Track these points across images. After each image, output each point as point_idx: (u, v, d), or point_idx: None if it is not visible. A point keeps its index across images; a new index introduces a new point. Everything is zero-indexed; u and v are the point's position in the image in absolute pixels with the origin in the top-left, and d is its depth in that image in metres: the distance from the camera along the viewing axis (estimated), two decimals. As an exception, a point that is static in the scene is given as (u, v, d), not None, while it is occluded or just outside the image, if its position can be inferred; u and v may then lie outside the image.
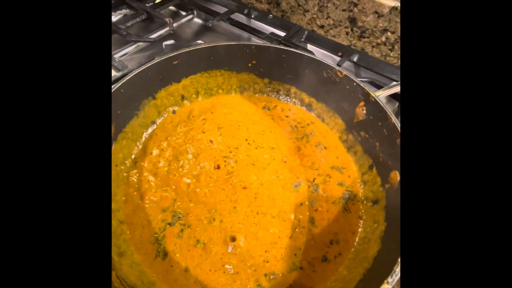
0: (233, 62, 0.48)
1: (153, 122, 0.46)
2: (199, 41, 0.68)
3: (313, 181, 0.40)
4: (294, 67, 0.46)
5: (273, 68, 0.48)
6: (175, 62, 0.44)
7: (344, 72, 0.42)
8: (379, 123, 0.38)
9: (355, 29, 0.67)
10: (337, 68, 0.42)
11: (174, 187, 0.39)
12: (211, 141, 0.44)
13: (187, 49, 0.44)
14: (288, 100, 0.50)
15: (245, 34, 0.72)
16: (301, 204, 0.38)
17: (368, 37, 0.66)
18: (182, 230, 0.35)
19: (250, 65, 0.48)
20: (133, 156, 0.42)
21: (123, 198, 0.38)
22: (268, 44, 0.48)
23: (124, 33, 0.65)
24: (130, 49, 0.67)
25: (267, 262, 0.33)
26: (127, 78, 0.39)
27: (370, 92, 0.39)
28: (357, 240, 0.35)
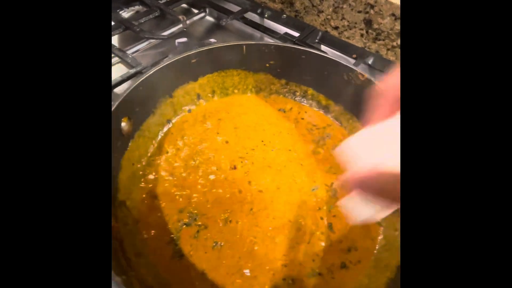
0: (250, 62, 0.47)
1: (169, 121, 0.45)
2: (212, 40, 0.67)
3: (331, 185, 0.40)
4: (312, 68, 0.46)
5: (291, 69, 0.47)
6: (193, 61, 0.43)
7: (366, 75, 0.41)
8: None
9: (370, 31, 0.66)
10: (359, 71, 0.41)
11: (190, 187, 0.39)
12: (226, 142, 0.43)
13: (207, 47, 0.43)
14: (305, 102, 0.50)
15: (257, 34, 0.71)
16: (319, 209, 0.38)
17: (383, 40, 0.66)
18: (198, 232, 0.35)
19: (267, 65, 0.48)
20: (149, 155, 0.41)
21: (139, 197, 0.38)
22: (288, 44, 0.47)
23: (138, 29, 0.64)
24: (142, 45, 0.67)
25: (285, 266, 0.33)
26: (146, 76, 0.38)
27: (393, 96, 0.38)
28: (377, 247, 0.34)
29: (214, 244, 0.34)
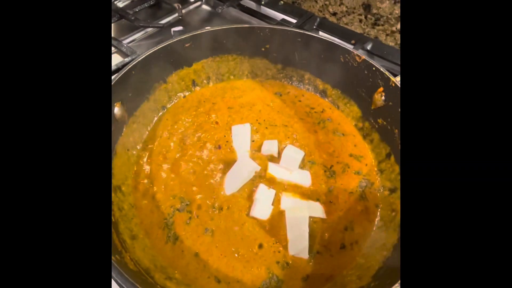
0: (245, 46, 0.46)
1: (164, 107, 0.45)
2: (208, 28, 0.66)
3: (330, 167, 0.39)
4: (309, 51, 0.45)
5: (287, 53, 0.46)
6: (187, 45, 0.42)
7: (363, 57, 0.40)
8: (399, 109, 0.36)
9: (369, 16, 0.65)
10: (356, 52, 0.40)
11: (181, 172, 0.38)
12: (216, 123, 0.42)
13: (199, 31, 0.43)
14: (302, 86, 0.49)
15: (254, 21, 0.70)
16: (317, 188, 0.37)
17: (382, 25, 0.64)
18: (190, 218, 0.34)
19: (263, 49, 0.47)
20: (143, 141, 0.41)
21: (133, 182, 0.37)
22: (283, 27, 0.46)
23: (133, 18, 0.63)
24: (138, 35, 0.66)
25: (278, 249, 0.33)
26: (139, 59, 0.38)
27: (391, 77, 0.37)
28: (374, 228, 0.34)
29: (205, 230, 0.34)
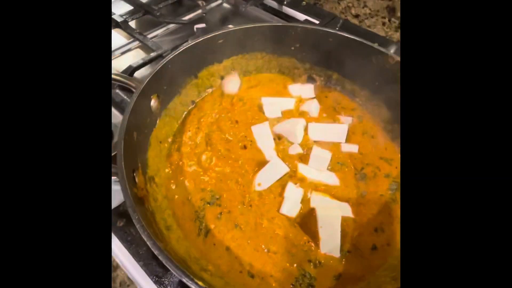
0: (275, 44, 0.46)
1: (193, 102, 0.45)
2: (230, 26, 0.67)
3: (361, 170, 0.39)
4: (339, 52, 0.45)
5: (317, 53, 0.47)
6: (220, 41, 0.43)
7: (397, 58, 0.40)
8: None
9: (393, 19, 0.65)
10: (390, 53, 0.41)
11: (210, 167, 0.38)
12: (236, 122, 0.42)
13: (234, 28, 0.43)
14: (329, 86, 0.49)
15: (276, 21, 0.70)
16: (347, 189, 0.37)
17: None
18: (221, 213, 0.35)
19: (292, 48, 0.47)
20: (173, 134, 0.42)
21: (166, 174, 0.38)
22: (316, 27, 0.47)
23: (158, 14, 0.64)
24: (160, 31, 0.66)
25: (310, 247, 0.33)
26: (176, 53, 0.38)
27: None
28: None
29: (235, 225, 0.34)
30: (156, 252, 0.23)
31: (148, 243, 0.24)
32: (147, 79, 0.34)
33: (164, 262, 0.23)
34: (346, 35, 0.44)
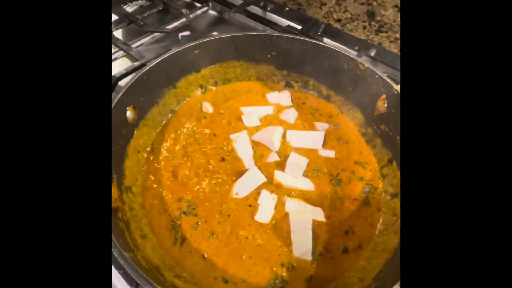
0: (252, 53, 0.48)
1: (172, 111, 0.46)
2: (214, 33, 0.68)
3: (337, 176, 0.40)
4: (314, 59, 0.46)
5: (293, 60, 0.48)
6: (196, 51, 0.44)
7: (367, 65, 0.41)
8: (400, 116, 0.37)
9: (373, 23, 0.66)
10: (360, 60, 0.42)
11: (187, 178, 0.39)
12: (214, 135, 0.43)
13: (209, 38, 0.44)
14: (306, 92, 0.50)
15: (260, 27, 0.71)
16: (322, 192, 0.38)
17: (386, 32, 0.65)
18: (197, 223, 0.35)
19: (269, 56, 0.48)
20: (152, 143, 0.43)
21: (143, 184, 0.39)
22: (289, 35, 0.48)
23: (142, 23, 0.65)
24: (146, 39, 0.67)
25: (283, 252, 0.34)
26: (151, 65, 0.39)
27: (393, 85, 0.38)
28: (376, 232, 0.35)
29: (211, 234, 0.35)
30: (121, 262, 0.24)
31: (114, 253, 0.24)
32: (120, 93, 0.35)
33: (129, 271, 0.24)
34: (318, 42, 0.45)
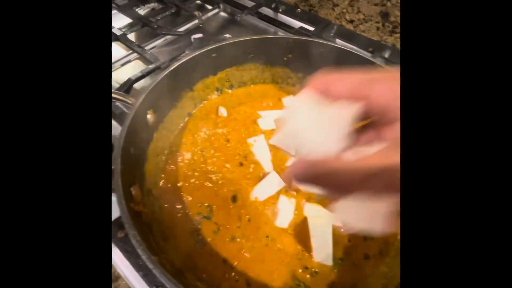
0: (268, 55, 0.48)
1: (189, 113, 0.47)
2: (227, 35, 0.68)
3: None
4: (330, 61, 0.46)
5: (309, 63, 0.47)
6: (214, 55, 0.44)
7: (385, 68, 0.41)
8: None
9: (386, 24, 0.65)
10: (379, 63, 0.41)
11: (205, 181, 0.39)
12: (228, 140, 0.43)
13: (226, 42, 0.44)
14: (322, 95, 0.50)
15: (271, 29, 0.71)
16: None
17: (400, 33, 0.65)
18: (218, 228, 0.36)
19: (285, 58, 0.48)
20: (170, 146, 0.43)
21: (163, 186, 0.39)
22: (306, 38, 0.48)
23: (155, 26, 0.66)
24: (158, 42, 0.68)
25: (304, 257, 0.34)
26: (171, 69, 0.40)
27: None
28: (397, 237, 0.35)
29: (231, 238, 0.35)
30: (150, 266, 0.24)
31: (142, 257, 0.25)
32: (142, 97, 0.36)
33: (157, 275, 0.24)
34: (336, 45, 0.44)
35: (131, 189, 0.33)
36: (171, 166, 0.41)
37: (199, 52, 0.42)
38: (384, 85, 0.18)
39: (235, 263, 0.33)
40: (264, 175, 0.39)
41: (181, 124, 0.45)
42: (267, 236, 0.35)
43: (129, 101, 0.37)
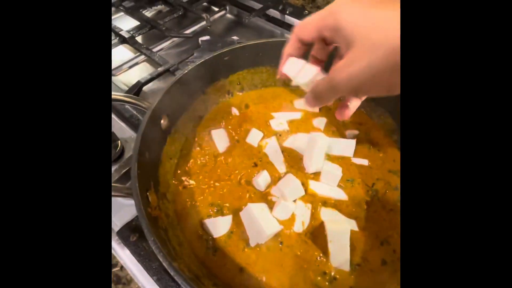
0: (279, 58, 0.47)
1: (201, 117, 0.46)
2: (234, 37, 0.68)
3: (372, 186, 0.39)
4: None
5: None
6: (226, 58, 0.44)
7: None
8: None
9: (395, 26, 0.65)
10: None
11: (216, 183, 0.39)
12: (237, 141, 0.43)
13: (238, 45, 0.44)
14: (333, 98, 0.50)
15: (278, 30, 0.71)
16: (357, 203, 0.38)
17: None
18: (231, 232, 0.35)
19: (297, 61, 0.48)
20: (181, 149, 0.43)
21: (176, 190, 0.39)
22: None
23: (163, 28, 0.66)
24: (165, 44, 0.68)
25: (322, 262, 0.33)
26: (184, 73, 0.40)
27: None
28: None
29: (247, 244, 0.34)
30: (172, 273, 0.24)
31: (164, 264, 0.25)
32: (156, 101, 0.36)
33: (180, 282, 0.24)
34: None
35: (148, 193, 0.32)
36: (184, 169, 0.41)
37: (211, 56, 0.42)
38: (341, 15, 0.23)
39: (252, 270, 0.33)
40: (279, 176, 0.39)
41: (193, 127, 0.45)
42: (281, 243, 0.34)
43: (143, 105, 0.37)
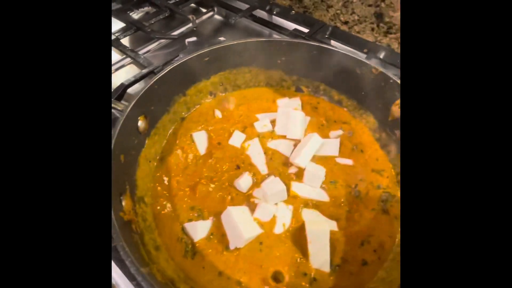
0: (262, 58, 0.47)
1: (182, 118, 0.46)
2: (221, 38, 0.67)
3: (355, 187, 0.39)
4: (325, 63, 0.45)
5: (303, 65, 0.47)
6: (206, 59, 0.44)
7: (380, 69, 0.40)
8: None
9: (381, 24, 0.65)
10: (373, 65, 0.41)
11: (197, 186, 0.38)
12: (219, 143, 0.42)
13: (219, 46, 0.44)
14: (318, 96, 0.49)
15: (266, 31, 0.71)
16: (338, 204, 0.37)
17: (394, 33, 0.64)
18: (211, 234, 0.35)
19: (279, 61, 0.47)
20: (161, 152, 0.42)
21: (153, 193, 0.38)
22: (299, 40, 0.47)
23: (149, 30, 0.65)
24: (152, 46, 0.68)
25: (302, 263, 0.33)
26: (162, 74, 0.39)
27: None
28: (396, 242, 0.34)
29: (226, 247, 0.34)
30: (139, 279, 0.23)
31: (131, 269, 0.24)
32: (132, 103, 0.35)
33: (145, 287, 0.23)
34: (328, 47, 0.44)
35: (121, 197, 0.32)
36: (163, 172, 0.40)
37: (190, 57, 0.42)
38: None
39: (231, 274, 0.32)
40: (262, 178, 0.38)
41: (174, 129, 0.45)
42: (261, 243, 0.34)
43: (118, 107, 0.36)
